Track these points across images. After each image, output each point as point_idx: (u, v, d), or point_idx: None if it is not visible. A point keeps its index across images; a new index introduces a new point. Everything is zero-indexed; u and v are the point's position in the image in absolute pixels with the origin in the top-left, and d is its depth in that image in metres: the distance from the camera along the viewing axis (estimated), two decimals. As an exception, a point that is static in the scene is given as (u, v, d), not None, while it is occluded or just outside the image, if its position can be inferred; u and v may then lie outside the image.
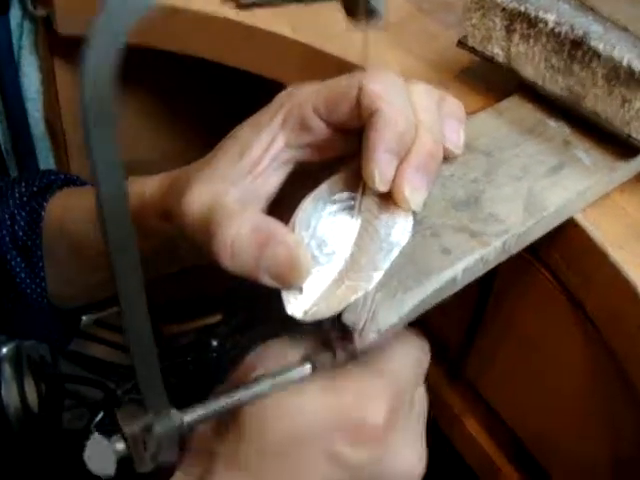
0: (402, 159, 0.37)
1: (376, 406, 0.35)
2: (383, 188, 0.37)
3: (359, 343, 0.34)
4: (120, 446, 0.31)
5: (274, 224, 0.36)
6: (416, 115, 0.38)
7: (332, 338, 0.36)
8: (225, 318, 0.86)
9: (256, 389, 0.34)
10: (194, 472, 0.35)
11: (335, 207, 0.38)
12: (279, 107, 0.40)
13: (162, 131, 0.83)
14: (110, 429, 0.32)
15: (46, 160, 0.79)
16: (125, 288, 0.29)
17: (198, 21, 0.57)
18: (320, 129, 0.39)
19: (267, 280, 0.36)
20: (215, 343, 0.81)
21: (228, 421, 0.35)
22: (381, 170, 0.37)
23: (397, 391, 0.36)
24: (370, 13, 0.34)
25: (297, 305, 0.36)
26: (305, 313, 0.36)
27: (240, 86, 0.75)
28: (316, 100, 0.39)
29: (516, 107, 0.46)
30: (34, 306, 0.52)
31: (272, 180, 0.40)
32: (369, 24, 0.35)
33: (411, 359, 0.37)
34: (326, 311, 0.35)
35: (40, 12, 0.63)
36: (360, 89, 0.37)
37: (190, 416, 0.33)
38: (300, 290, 0.36)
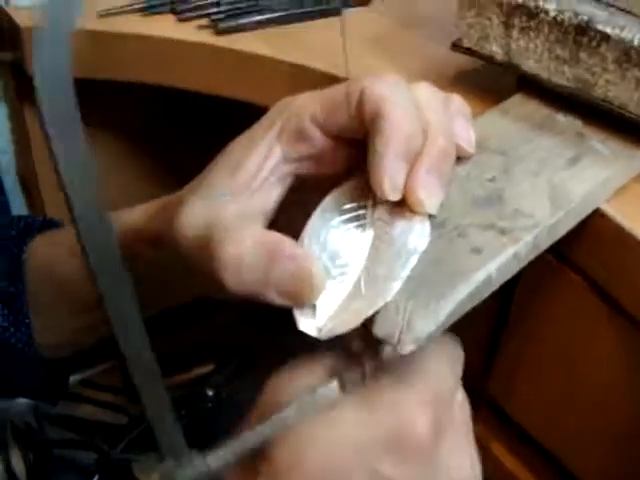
0: (412, 163, 0.35)
1: (417, 417, 0.31)
2: (395, 197, 0.34)
3: (396, 356, 0.31)
4: None
5: (280, 238, 0.34)
6: (423, 115, 0.36)
7: (358, 350, 0.32)
8: (218, 367, 0.83)
9: (283, 419, 0.31)
10: None
11: (345, 217, 0.36)
12: (275, 118, 0.37)
13: (131, 174, 0.81)
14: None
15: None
16: (122, 327, 0.27)
17: (179, 50, 0.55)
18: (319, 140, 0.36)
19: (276, 299, 0.33)
20: (211, 393, 0.77)
21: (258, 458, 0.31)
22: (391, 178, 0.34)
23: (438, 398, 0.32)
24: None
25: (310, 323, 0.33)
26: (320, 330, 0.32)
27: (212, 125, 0.73)
28: (314, 108, 0.36)
29: (521, 105, 0.44)
30: (20, 356, 0.49)
31: (271, 195, 0.37)
32: None
33: (446, 361, 0.34)
34: (343, 326, 0.32)
35: (7, 57, 0.61)
36: (361, 92, 0.35)
37: (215, 460, 0.30)
38: (313, 307, 0.33)
